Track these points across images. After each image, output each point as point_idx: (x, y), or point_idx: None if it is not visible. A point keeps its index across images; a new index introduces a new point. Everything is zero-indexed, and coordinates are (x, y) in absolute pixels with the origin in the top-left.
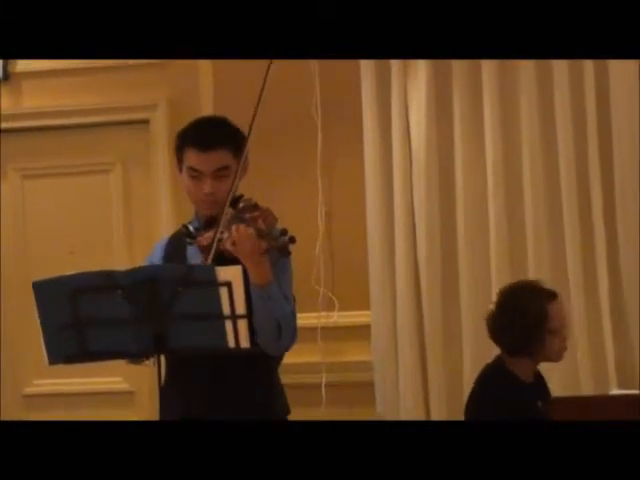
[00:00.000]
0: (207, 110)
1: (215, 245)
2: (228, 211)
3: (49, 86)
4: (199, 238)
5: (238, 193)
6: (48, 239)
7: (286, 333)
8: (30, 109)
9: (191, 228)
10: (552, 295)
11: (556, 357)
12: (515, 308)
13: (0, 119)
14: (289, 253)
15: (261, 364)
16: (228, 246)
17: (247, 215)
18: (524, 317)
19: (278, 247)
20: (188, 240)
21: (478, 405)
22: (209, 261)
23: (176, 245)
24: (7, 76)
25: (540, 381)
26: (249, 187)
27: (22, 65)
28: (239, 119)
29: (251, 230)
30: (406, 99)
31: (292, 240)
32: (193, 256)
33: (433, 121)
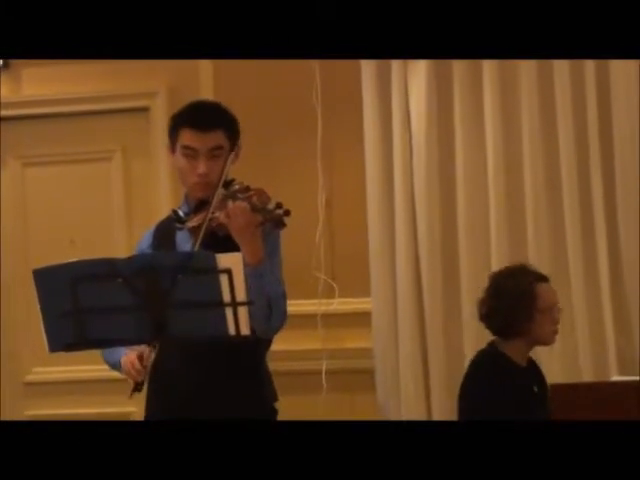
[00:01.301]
0: (207, 98)
1: (206, 224)
2: (220, 192)
3: (49, 74)
4: (189, 223)
5: (237, 180)
6: (49, 227)
7: (276, 313)
8: (30, 97)
9: (181, 213)
10: (540, 277)
11: (548, 339)
12: (503, 290)
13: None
14: (284, 225)
15: (250, 351)
16: (222, 219)
17: (239, 195)
18: (511, 297)
19: (273, 219)
20: (178, 225)
21: (472, 388)
22: (199, 240)
23: (164, 231)
24: (7, 64)
25: (534, 367)
26: (249, 174)
27: None
28: (238, 106)
29: (245, 204)
30: (406, 86)
31: (287, 213)
32: (182, 241)
33: (434, 108)
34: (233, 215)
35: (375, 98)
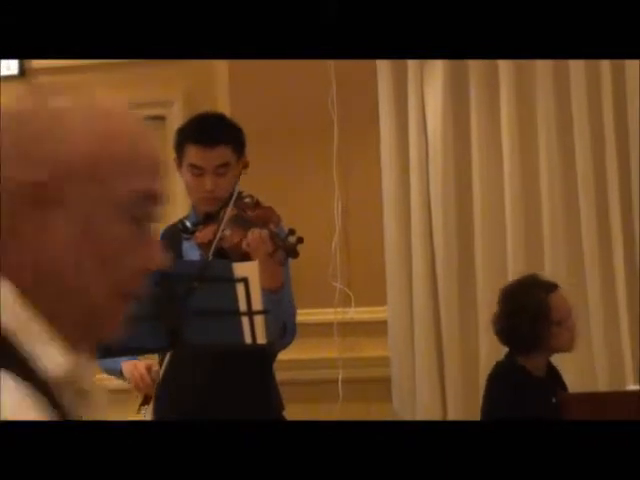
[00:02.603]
0: (223, 106)
1: (215, 242)
2: (229, 210)
3: (64, 83)
4: (197, 234)
5: (244, 192)
6: None
7: (289, 332)
8: None
9: (188, 224)
10: (551, 286)
11: (568, 347)
12: (516, 306)
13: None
14: (297, 254)
15: (257, 361)
16: (244, 247)
17: (249, 213)
18: (526, 314)
19: (286, 248)
20: (185, 236)
21: (491, 403)
22: (195, 255)
23: (170, 240)
24: (23, 72)
25: (553, 375)
26: (265, 183)
27: (38, 61)
28: (254, 115)
29: (266, 232)
30: (422, 93)
31: (300, 241)
32: (189, 251)
33: (449, 115)
34: (254, 244)
35: (391, 106)
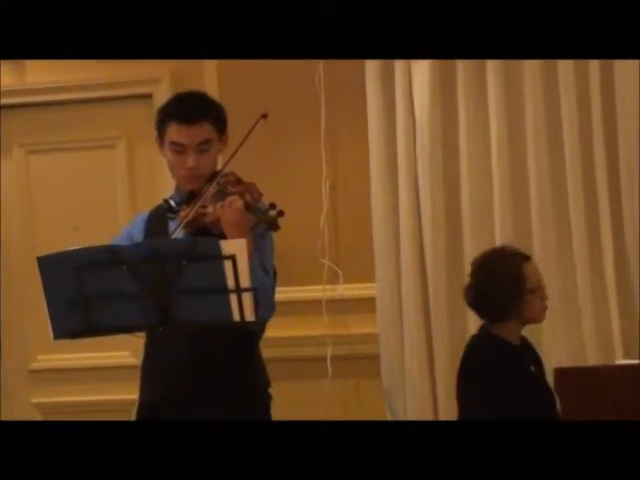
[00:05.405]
0: (210, 83)
1: (192, 216)
2: (212, 186)
3: (52, 61)
4: (181, 213)
5: (226, 170)
6: (53, 214)
7: (264, 305)
8: (34, 84)
9: (172, 203)
10: (525, 257)
11: (539, 317)
12: (492, 273)
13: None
14: (278, 227)
15: (243, 338)
16: (217, 209)
17: (230, 189)
18: (501, 282)
19: (267, 221)
20: (170, 215)
21: (468, 373)
22: (179, 228)
23: (157, 219)
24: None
25: (528, 346)
26: (253, 162)
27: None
28: (242, 93)
29: (240, 202)
30: (410, 72)
31: (281, 214)
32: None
33: (437, 93)
34: (227, 209)
35: (378, 84)
